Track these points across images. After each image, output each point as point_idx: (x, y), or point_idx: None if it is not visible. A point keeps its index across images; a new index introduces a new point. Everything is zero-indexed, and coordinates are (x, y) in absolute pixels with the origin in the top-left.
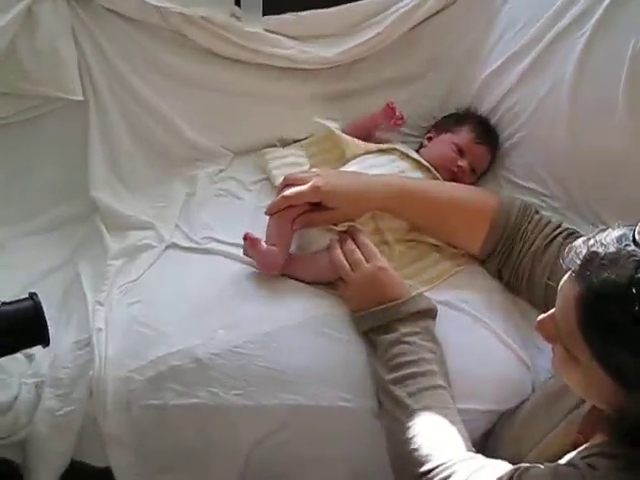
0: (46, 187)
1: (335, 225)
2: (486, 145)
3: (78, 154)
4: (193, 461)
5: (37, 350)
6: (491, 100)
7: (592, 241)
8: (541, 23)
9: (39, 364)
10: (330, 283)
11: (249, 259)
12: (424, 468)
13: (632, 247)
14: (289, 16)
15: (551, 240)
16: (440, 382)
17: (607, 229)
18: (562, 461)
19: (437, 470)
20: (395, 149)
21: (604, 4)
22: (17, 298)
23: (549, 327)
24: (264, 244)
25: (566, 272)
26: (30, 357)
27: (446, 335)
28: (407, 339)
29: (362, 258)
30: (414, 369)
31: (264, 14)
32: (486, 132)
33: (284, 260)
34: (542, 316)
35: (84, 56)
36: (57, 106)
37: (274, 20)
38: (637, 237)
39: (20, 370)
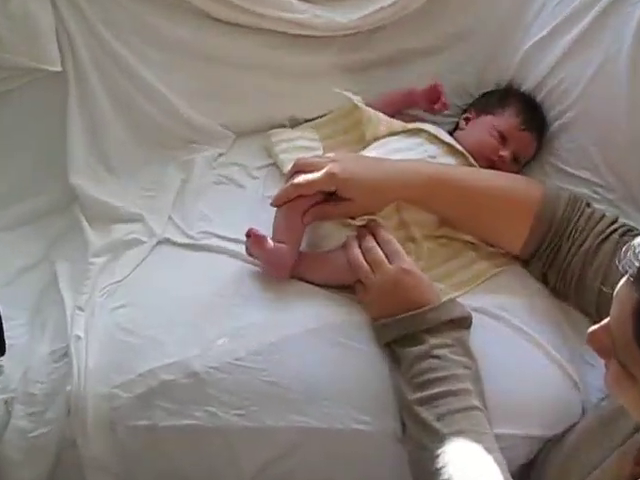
0: (19, 173)
1: (353, 219)
2: (533, 131)
3: (56, 134)
4: None
5: (5, 360)
6: (536, 75)
7: None
8: None
9: (8, 378)
10: (347, 286)
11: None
12: None
13: None
14: None
15: (605, 238)
16: (475, 403)
17: None
18: None
19: None
20: (424, 130)
21: None
22: None
23: (602, 339)
24: (271, 241)
25: (622, 276)
26: None
27: (482, 348)
28: (436, 352)
29: (384, 257)
30: (444, 387)
31: None
32: (533, 116)
33: (294, 260)
34: (594, 327)
35: (62, 21)
36: (32, 78)
37: None
38: None
39: None
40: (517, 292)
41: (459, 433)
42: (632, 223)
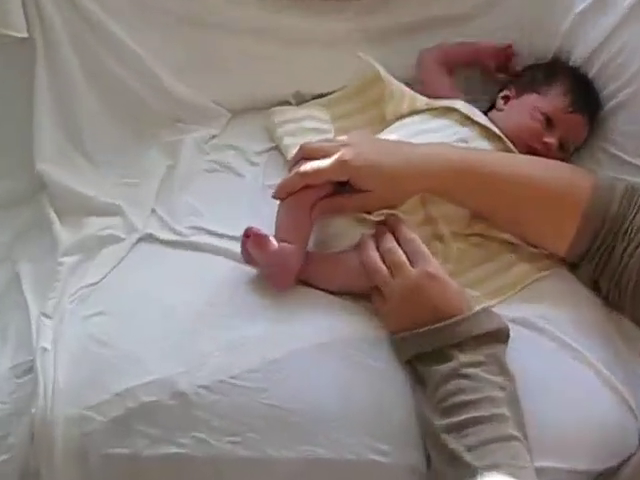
0: None
1: (369, 213)
2: (583, 113)
3: (21, 112)
4: None
5: None
6: (587, 45)
7: None
8: None
9: None
10: (362, 294)
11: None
12: None
13: None
14: None
15: None
16: (512, 431)
17: None
18: None
19: None
20: (454, 109)
21: None
22: None
23: None
24: (274, 242)
25: None
26: None
27: (521, 366)
28: (467, 371)
29: (405, 259)
30: (476, 413)
31: None
32: (585, 95)
33: (300, 263)
34: None
35: None
36: None
37: None
38: None
39: None
40: (563, 301)
41: (494, 467)
42: None
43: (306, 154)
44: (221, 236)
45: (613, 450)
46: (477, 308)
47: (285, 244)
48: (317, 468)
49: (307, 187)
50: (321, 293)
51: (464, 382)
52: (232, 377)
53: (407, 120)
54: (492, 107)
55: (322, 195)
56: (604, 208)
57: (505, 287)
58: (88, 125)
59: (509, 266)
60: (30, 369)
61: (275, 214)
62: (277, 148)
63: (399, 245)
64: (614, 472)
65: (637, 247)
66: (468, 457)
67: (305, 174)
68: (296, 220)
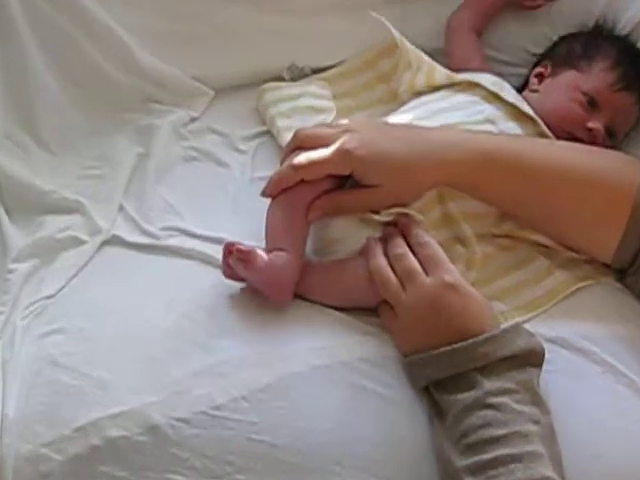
0: None
1: (376, 213)
2: (633, 91)
3: None
4: None
5: None
6: (636, 9)
7: None
8: None
9: None
10: (368, 308)
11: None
12: None
13: None
14: None
15: None
16: (547, 472)
17: None
18: None
19: None
20: (479, 84)
21: None
22: None
23: None
24: (263, 255)
25: None
26: None
27: (559, 395)
28: (494, 401)
29: (419, 267)
30: (505, 450)
31: None
32: (634, 69)
33: (298, 274)
34: None
35: None
36: None
37: None
38: None
39: None
40: (609, 317)
41: None
42: None
43: (301, 142)
44: (201, 239)
45: None
46: (506, 325)
47: (277, 253)
48: None
49: (303, 182)
50: (319, 308)
51: (490, 414)
52: (215, 408)
53: (424, 98)
54: (524, 86)
55: (320, 192)
56: None
57: (539, 299)
58: (44, 107)
59: (544, 274)
60: None
61: (265, 212)
62: (268, 133)
63: (411, 250)
64: None
65: None
66: None
67: (300, 167)
68: (290, 222)
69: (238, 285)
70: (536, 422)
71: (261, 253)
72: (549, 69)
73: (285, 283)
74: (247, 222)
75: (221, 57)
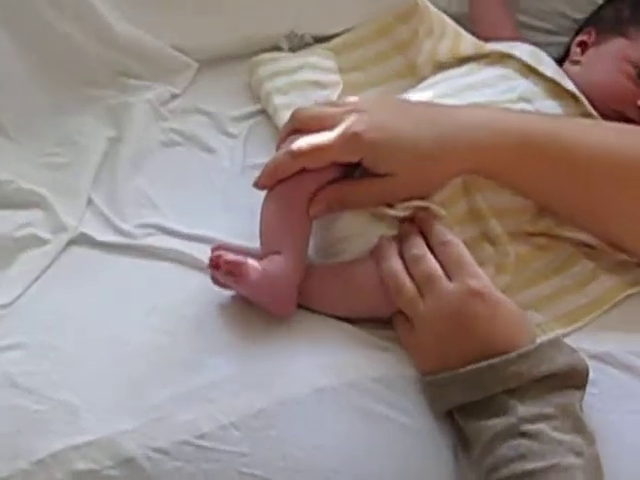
0: None
1: (390, 207)
2: None
3: None
4: None
5: None
6: None
7: None
8: None
9: None
10: (381, 319)
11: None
12: None
13: None
14: None
15: None
16: None
17: None
18: None
19: None
20: (511, 56)
21: None
22: None
23: None
24: (255, 265)
25: None
26: None
27: (605, 421)
28: (529, 428)
29: (440, 272)
30: None
31: None
32: None
33: (299, 280)
34: None
35: None
36: None
37: None
38: None
39: None
40: None
41: None
42: None
43: (301, 124)
44: (184, 238)
45: None
46: (543, 339)
47: (273, 257)
48: None
49: (303, 171)
50: (323, 319)
51: (525, 443)
52: (199, 437)
53: (447, 72)
54: (565, 57)
55: (324, 182)
56: None
57: (582, 309)
58: (3, 85)
59: (588, 279)
60: None
61: (260, 208)
62: (263, 112)
63: (431, 251)
64: None
65: None
66: None
67: (300, 153)
68: (289, 219)
69: (228, 292)
70: (578, 453)
71: (253, 263)
72: (593, 37)
73: (285, 294)
74: (238, 218)
75: (206, 23)
